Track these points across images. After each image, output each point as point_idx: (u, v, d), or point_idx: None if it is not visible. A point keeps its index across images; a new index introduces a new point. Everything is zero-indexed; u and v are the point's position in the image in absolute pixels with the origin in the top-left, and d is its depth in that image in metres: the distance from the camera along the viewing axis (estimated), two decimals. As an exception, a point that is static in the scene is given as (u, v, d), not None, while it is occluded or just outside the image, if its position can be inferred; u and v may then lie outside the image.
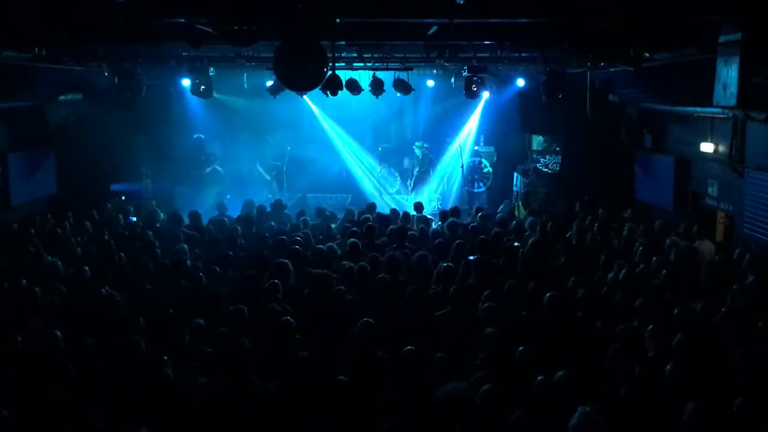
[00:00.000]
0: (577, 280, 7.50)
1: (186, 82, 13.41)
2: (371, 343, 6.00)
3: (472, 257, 8.48)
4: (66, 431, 4.84)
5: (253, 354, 5.90)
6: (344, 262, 8.29)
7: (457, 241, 9.13)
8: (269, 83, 13.77)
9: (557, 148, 15.37)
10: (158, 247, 9.30)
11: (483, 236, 9.36)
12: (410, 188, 16.95)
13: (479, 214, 11.64)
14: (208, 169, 15.93)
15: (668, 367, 5.14)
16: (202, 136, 16.03)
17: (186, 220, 10.89)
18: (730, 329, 6.19)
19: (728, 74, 8.05)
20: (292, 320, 6.37)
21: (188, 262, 8.48)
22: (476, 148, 16.81)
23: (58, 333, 5.96)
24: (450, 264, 7.85)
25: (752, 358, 5.41)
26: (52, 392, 5.14)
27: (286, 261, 7.94)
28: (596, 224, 10.59)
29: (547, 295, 6.90)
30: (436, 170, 17.24)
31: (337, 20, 7.33)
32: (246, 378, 5.47)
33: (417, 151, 16.73)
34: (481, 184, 16.75)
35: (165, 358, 5.62)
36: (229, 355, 5.90)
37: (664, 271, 7.67)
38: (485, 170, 16.77)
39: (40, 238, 9.91)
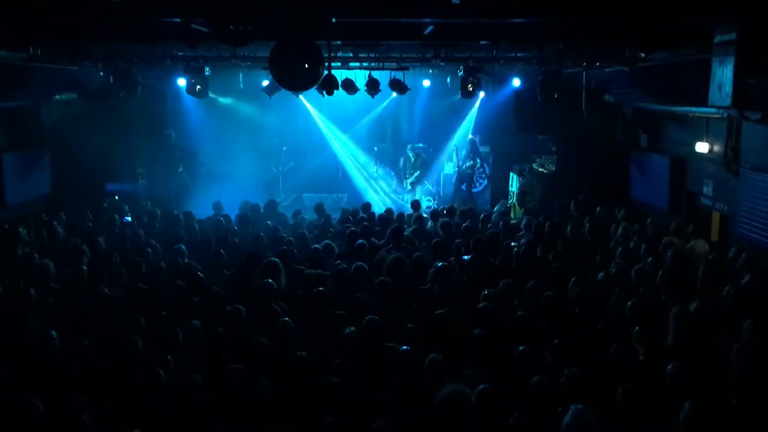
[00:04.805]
0: (576, 280, 7.52)
1: (181, 82, 13.40)
2: (374, 341, 5.99)
3: (466, 257, 8.49)
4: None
5: (251, 353, 5.90)
6: (339, 262, 8.31)
7: (457, 241, 9.16)
8: (265, 83, 13.75)
9: (552, 148, 15.39)
10: (152, 246, 9.30)
11: (478, 236, 9.37)
12: (407, 188, 16.91)
13: (481, 216, 11.64)
14: (180, 169, 15.83)
15: (667, 367, 5.15)
16: (173, 133, 15.86)
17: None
18: (726, 329, 6.21)
19: (723, 74, 8.07)
20: (290, 321, 6.38)
21: (186, 261, 8.49)
22: (474, 139, 16.81)
23: (53, 333, 5.93)
24: (445, 264, 7.85)
25: (748, 358, 5.44)
26: (47, 392, 5.11)
27: (277, 260, 7.95)
28: (592, 224, 10.61)
29: (543, 294, 6.93)
30: (430, 170, 17.24)
31: (333, 20, 7.32)
32: (244, 377, 5.47)
33: (410, 155, 16.68)
34: (477, 184, 16.76)
35: (169, 357, 5.61)
36: (227, 354, 5.91)
37: (660, 271, 7.68)
38: (482, 171, 16.79)
39: (35, 237, 9.90)
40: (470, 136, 16.85)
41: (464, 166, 16.52)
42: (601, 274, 7.91)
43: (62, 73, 12.41)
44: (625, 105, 13.48)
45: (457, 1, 6.65)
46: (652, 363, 5.41)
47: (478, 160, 16.71)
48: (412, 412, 4.89)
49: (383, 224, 10.73)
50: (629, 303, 6.53)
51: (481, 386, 4.80)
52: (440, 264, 7.81)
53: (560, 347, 5.94)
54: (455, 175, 16.84)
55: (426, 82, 15.67)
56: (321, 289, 7.27)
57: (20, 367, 5.62)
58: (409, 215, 11.85)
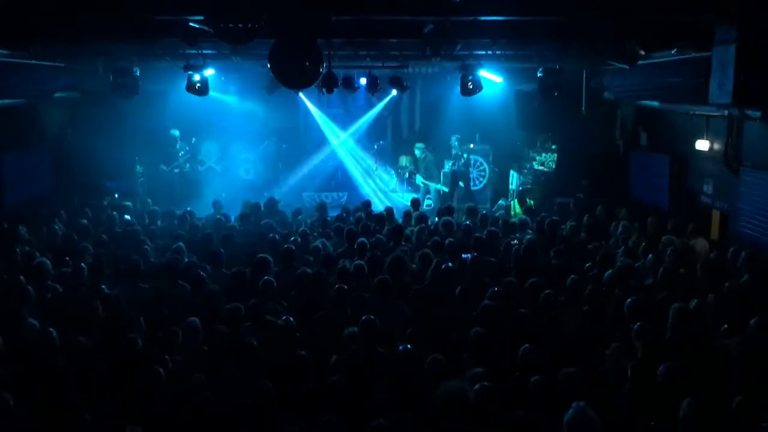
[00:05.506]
0: (579, 279, 7.52)
1: (182, 80, 13.36)
2: (372, 341, 5.99)
3: (466, 255, 8.49)
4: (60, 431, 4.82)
5: (251, 352, 5.89)
6: (343, 261, 8.31)
7: (449, 240, 9.15)
8: (265, 81, 13.74)
9: (553, 146, 15.39)
10: (150, 245, 9.31)
11: (478, 234, 9.37)
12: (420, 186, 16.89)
13: (479, 214, 11.63)
14: (177, 170, 15.82)
15: (663, 365, 5.15)
16: (176, 131, 15.90)
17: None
18: (725, 328, 6.21)
19: (723, 72, 8.04)
20: (291, 319, 6.38)
21: (185, 259, 8.49)
22: (471, 146, 16.80)
23: (53, 331, 5.93)
24: (448, 264, 7.85)
25: (748, 356, 5.44)
26: (46, 392, 5.11)
27: (268, 256, 7.96)
28: (592, 222, 10.60)
29: (543, 293, 6.93)
30: (433, 169, 17.22)
31: (332, 18, 7.31)
32: (245, 376, 5.46)
33: (417, 152, 16.69)
34: (478, 182, 16.75)
35: (167, 357, 5.61)
36: (228, 353, 5.91)
37: (660, 269, 7.68)
38: (482, 168, 16.77)
39: (34, 236, 9.90)
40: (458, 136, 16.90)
41: (460, 164, 16.52)
42: (600, 273, 7.91)
43: (62, 71, 12.38)
44: (625, 103, 13.47)
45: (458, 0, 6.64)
46: (651, 360, 5.40)
47: (473, 158, 16.65)
48: (413, 411, 4.89)
49: (382, 223, 10.74)
50: (628, 301, 6.53)
51: (480, 384, 4.80)
52: (444, 266, 7.81)
53: (560, 345, 5.95)
54: (454, 174, 16.81)
55: (425, 81, 15.64)
56: (338, 286, 7.28)
57: (19, 367, 5.62)
58: (408, 213, 11.83)
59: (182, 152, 15.92)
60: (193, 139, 16.26)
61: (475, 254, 8.44)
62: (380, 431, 4.58)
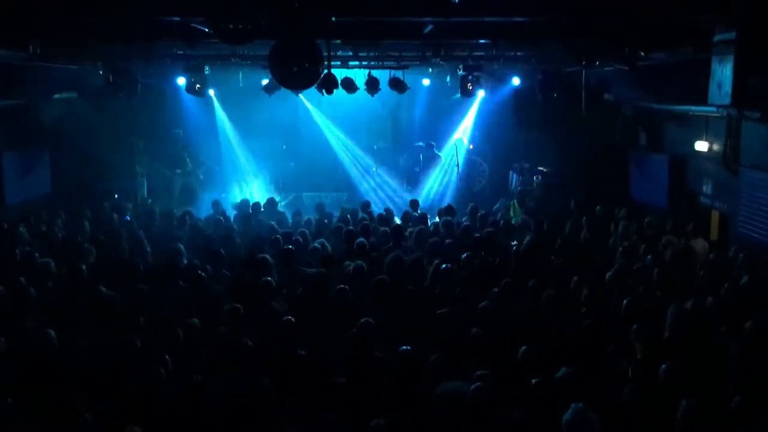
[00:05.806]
0: (579, 279, 7.52)
1: (181, 81, 13.39)
2: (370, 343, 5.99)
3: (464, 255, 8.50)
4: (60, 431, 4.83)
5: (251, 353, 5.90)
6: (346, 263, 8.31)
7: (448, 241, 9.15)
8: (265, 82, 13.75)
9: (552, 147, 15.38)
10: (150, 246, 9.31)
11: (478, 235, 9.37)
12: (413, 187, 16.92)
13: (478, 214, 11.64)
14: (178, 170, 15.83)
15: (663, 365, 5.16)
16: (180, 132, 15.93)
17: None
18: (724, 328, 6.21)
19: (723, 73, 8.05)
20: (293, 319, 6.38)
21: (185, 260, 8.49)
22: (471, 146, 16.80)
23: (52, 333, 5.93)
24: (448, 265, 7.85)
25: (747, 357, 5.45)
26: (45, 392, 5.12)
27: (268, 257, 7.96)
28: (591, 222, 10.60)
29: (544, 294, 6.93)
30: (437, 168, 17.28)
31: (333, 19, 7.31)
32: (244, 377, 5.47)
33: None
34: (477, 182, 16.76)
35: (167, 357, 5.61)
36: (227, 354, 5.91)
37: (659, 270, 7.68)
38: (482, 168, 16.78)
39: (34, 237, 9.90)
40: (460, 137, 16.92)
41: (461, 165, 16.54)
42: (600, 273, 7.91)
43: (62, 71, 12.39)
44: (624, 104, 13.47)
45: (457, 0, 6.64)
46: (651, 361, 5.41)
47: (473, 158, 16.68)
48: (412, 411, 4.89)
49: (382, 223, 10.74)
50: (626, 301, 6.54)
51: (476, 384, 4.80)
52: (444, 267, 7.81)
53: (560, 346, 5.95)
54: (454, 174, 16.83)
55: (425, 81, 15.68)
56: (340, 287, 7.28)
57: (19, 367, 5.63)
58: (407, 213, 11.84)
59: (185, 153, 15.92)
60: (193, 138, 16.25)
61: (471, 254, 8.44)
62: (380, 431, 4.59)
